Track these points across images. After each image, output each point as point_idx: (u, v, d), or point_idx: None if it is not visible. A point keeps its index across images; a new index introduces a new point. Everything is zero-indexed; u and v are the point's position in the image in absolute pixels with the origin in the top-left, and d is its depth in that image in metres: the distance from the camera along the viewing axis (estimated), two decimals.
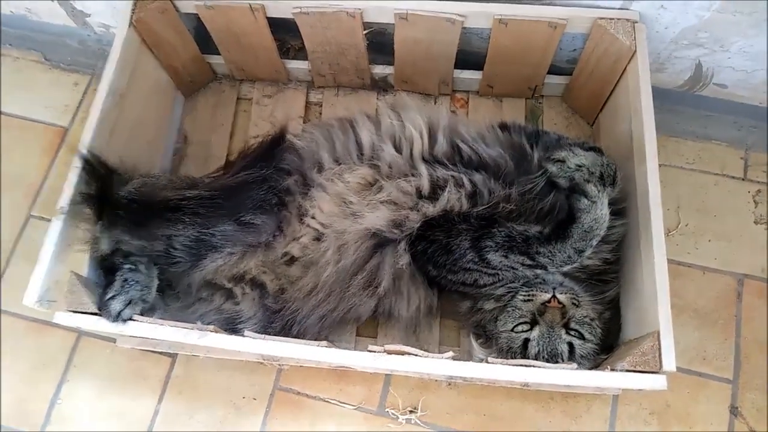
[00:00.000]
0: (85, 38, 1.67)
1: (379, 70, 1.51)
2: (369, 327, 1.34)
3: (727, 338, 1.34)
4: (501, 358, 1.13)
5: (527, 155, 1.16)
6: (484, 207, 1.10)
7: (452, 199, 1.11)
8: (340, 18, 1.30)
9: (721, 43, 1.28)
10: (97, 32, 1.63)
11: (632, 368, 1.01)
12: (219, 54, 1.51)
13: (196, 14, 1.35)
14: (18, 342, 1.41)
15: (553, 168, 1.11)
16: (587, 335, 1.11)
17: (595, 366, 1.12)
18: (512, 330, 1.14)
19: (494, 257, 1.10)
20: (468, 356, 1.26)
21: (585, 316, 1.13)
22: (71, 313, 1.11)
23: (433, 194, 1.13)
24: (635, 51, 1.21)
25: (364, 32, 1.35)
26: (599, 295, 1.18)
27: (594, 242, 1.08)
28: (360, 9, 1.28)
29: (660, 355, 1.01)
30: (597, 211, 1.07)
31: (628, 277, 1.17)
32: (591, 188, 1.07)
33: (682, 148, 1.49)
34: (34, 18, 1.64)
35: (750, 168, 1.47)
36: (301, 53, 1.56)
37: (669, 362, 1.00)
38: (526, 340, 1.12)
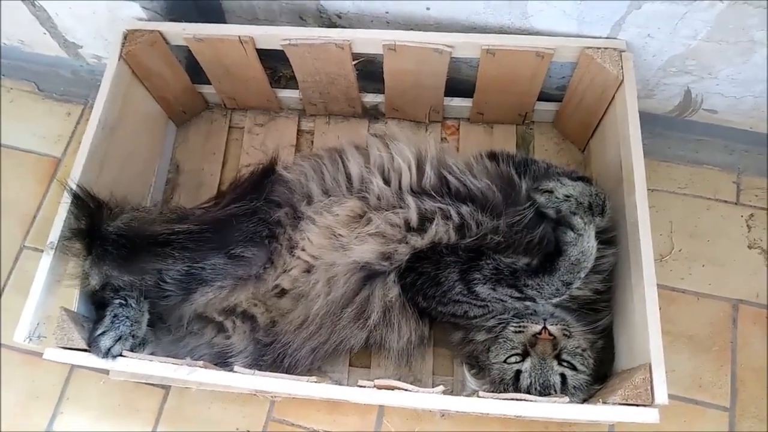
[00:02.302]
0: (78, 69, 1.68)
1: (370, 98, 1.52)
2: (362, 356, 1.34)
3: (722, 365, 1.33)
4: (494, 388, 1.13)
5: (515, 185, 1.15)
6: (472, 239, 1.10)
7: (440, 231, 1.11)
8: (329, 49, 1.31)
9: (708, 70, 1.28)
10: (90, 63, 1.64)
11: (624, 401, 1.00)
12: (210, 84, 1.51)
13: (187, 46, 1.36)
14: (12, 374, 1.41)
15: (541, 198, 1.11)
16: (579, 366, 1.11)
17: (589, 396, 1.11)
18: (504, 361, 1.13)
19: (482, 290, 1.10)
20: (462, 385, 1.25)
21: (577, 347, 1.12)
22: (61, 350, 1.11)
23: (421, 226, 1.13)
24: (622, 80, 1.21)
25: (354, 62, 1.35)
26: (591, 325, 1.17)
27: (582, 274, 1.08)
28: (348, 40, 1.28)
29: (652, 387, 1.00)
30: (584, 244, 1.06)
31: (620, 306, 1.16)
32: (577, 221, 1.07)
33: (674, 173, 1.49)
34: (28, 49, 1.65)
35: (742, 192, 1.47)
36: (293, 81, 1.56)
37: (661, 395, 0.99)
38: (518, 372, 1.11)
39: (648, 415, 0.99)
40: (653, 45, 1.24)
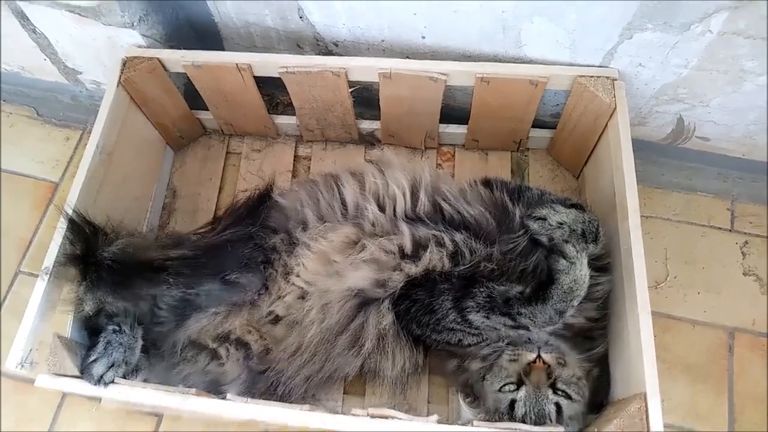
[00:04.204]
0: (77, 94, 1.70)
1: (366, 125, 1.53)
2: (357, 384, 1.33)
3: (720, 393, 1.32)
4: (489, 417, 1.12)
5: (509, 212, 1.16)
6: (465, 267, 1.10)
7: (434, 258, 1.11)
8: (326, 77, 1.32)
9: (700, 98, 1.29)
10: (89, 88, 1.66)
11: (619, 431, 0.99)
12: (208, 110, 1.53)
13: (185, 72, 1.38)
14: (3, 401, 1.40)
15: (534, 226, 1.12)
16: (574, 395, 1.10)
17: (584, 426, 1.10)
18: (499, 390, 1.12)
19: (476, 318, 1.09)
20: (457, 414, 1.24)
21: (572, 376, 1.11)
22: (53, 376, 1.10)
23: (416, 254, 1.13)
24: (615, 108, 1.22)
25: (350, 90, 1.37)
26: (586, 353, 1.16)
27: (575, 302, 1.07)
28: (344, 68, 1.30)
29: (647, 417, 0.99)
30: (576, 272, 1.06)
31: (615, 333, 1.16)
32: (569, 249, 1.07)
33: (668, 200, 1.50)
34: (28, 75, 1.67)
35: (737, 219, 1.48)
36: (290, 108, 1.58)
37: (657, 424, 0.98)
38: (513, 401, 1.10)
39: None
40: (645, 74, 1.26)
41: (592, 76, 1.25)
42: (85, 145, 1.27)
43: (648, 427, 0.98)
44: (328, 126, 1.52)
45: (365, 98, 1.47)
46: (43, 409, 1.38)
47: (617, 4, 1.11)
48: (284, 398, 1.17)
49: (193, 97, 1.51)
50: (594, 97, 1.25)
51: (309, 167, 1.58)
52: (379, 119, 1.49)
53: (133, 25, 1.33)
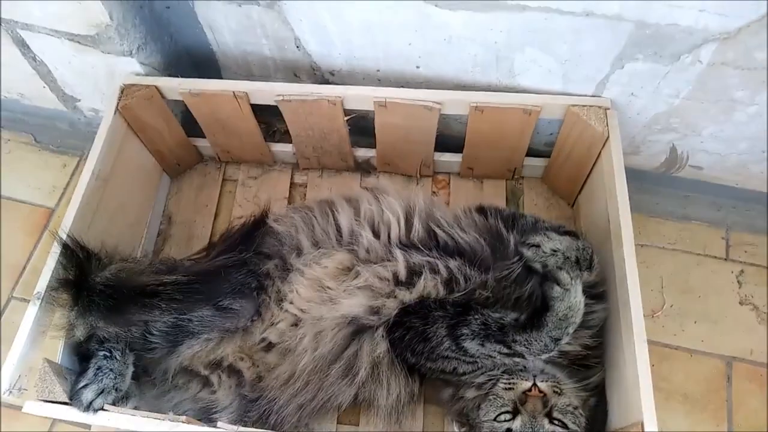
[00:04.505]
0: (76, 121, 1.72)
1: (362, 153, 1.54)
2: (351, 414, 1.31)
3: (719, 424, 1.31)
4: None
5: (504, 239, 1.16)
6: (460, 293, 1.10)
7: (428, 285, 1.11)
8: (322, 105, 1.33)
9: (692, 128, 1.31)
10: (87, 116, 1.67)
11: None
12: (205, 137, 1.54)
13: (182, 100, 1.39)
14: None
15: (528, 253, 1.11)
16: (571, 425, 1.08)
17: None
18: (494, 419, 1.10)
19: (471, 345, 1.08)
20: None
21: (568, 405, 1.09)
22: (41, 403, 1.08)
23: (410, 280, 1.13)
24: (608, 137, 1.23)
25: (346, 118, 1.38)
26: (583, 381, 1.15)
27: (570, 330, 1.06)
28: (340, 96, 1.31)
29: None
30: (571, 299, 1.05)
31: (612, 362, 1.15)
32: (564, 276, 1.06)
33: (662, 229, 1.50)
34: (27, 102, 1.68)
35: (731, 248, 1.48)
36: (287, 135, 1.59)
37: None
38: (509, 430, 1.08)
39: None
40: (637, 103, 1.28)
41: (584, 105, 1.27)
42: (82, 172, 1.27)
43: None
44: (324, 154, 1.53)
45: (361, 127, 1.48)
46: None
47: (607, 35, 1.13)
48: (276, 427, 1.15)
49: (190, 125, 1.52)
50: (587, 126, 1.26)
51: (305, 195, 1.59)
52: (375, 147, 1.50)
53: (131, 53, 1.35)
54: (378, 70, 1.40)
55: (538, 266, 1.11)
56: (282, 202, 1.56)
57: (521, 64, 1.26)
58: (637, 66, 1.18)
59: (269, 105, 1.37)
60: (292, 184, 1.60)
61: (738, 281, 1.44)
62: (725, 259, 1.47)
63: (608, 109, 1.26)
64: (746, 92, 1.18)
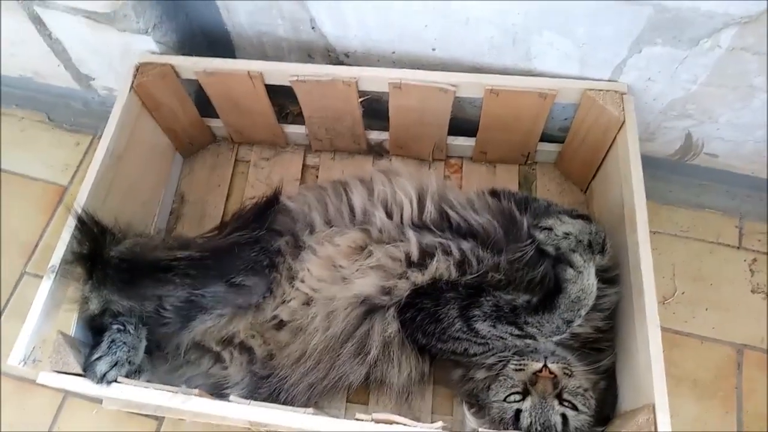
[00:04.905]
0: (89, 100, 1.72)
1: (375, 135, 1.54)
2: (360, 393, 1.31)
3: (728, 411, 1.30)
4: (493, 428, 1.10)
5: (517, 222, 1.15)
6: (472, 276, 1.09)
7: (441, 267, 1.11)
8: (336, 86, 1.33)
9: (709, 114, 1.30)
10: (101, 95, 1.68)
11: None
12: (218, 117, 1.54)
13: (197, 79, 1.39)
14: (4, 401, 1.39)
15: (540, 235, 1.11)
16: (581, 407, 1.08)
17: None
18: (504, 400, 1.11)
19: (482, 327, 1.08)
20: (461, 425, 1.23)
21: (578, 387, 1.10)
22: (55, 374, 1.09)
23: (422, 261, 1.13)
24: (624, 121, 1.23)
25: (360, 100, 1.38)
26: (593, 365, 1.15)
27: (583, 312, 1.06)
28: (355, 78, 1.31)
29: (656, 429, 0.98)
30: (584, 281, 1.05)
31: (623, 346, 1.15)
32: (577, 258, 1.06)
33: (675, 216, 1.50)
34: (41, 80, 1.69)
35: (745, 236, 1.47)
36: (299, 118, 1.59)
37: None
38: (518, 411, 1.09)
39: None
40: (654, 88, 1.27)
41: (601, 90, 1.26)
42: (95, 150, 1.28)
43: None
44: (337, 136, 1.53)
45: (374, 110, 1.48)
46: (42, 411, 1.37)
47: (626, 18, 1.13)
48: (287, 405, 1.16)
49: (204, 105, 1.52)
50: (603, 111, 1.25)
51: (317, 176, 1.59)
52: (388, 130, 1.50)
53: (147, 31, 1.35)
54: (393, 53, 1.39)
55: (550, 249, 1.11)
56: (294, 184, 1.56)
57: (538, 47, 1.26)
58: (655, 50, 1.17)
59: (282, 87, 1.37)
60: (305, 166, 1.60)
61: (750, 270, 1.43)
62: (738, 248, 1.46)
63: (625, 93, 1.25)
64: (765, 78, 1.17)
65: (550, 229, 1.11)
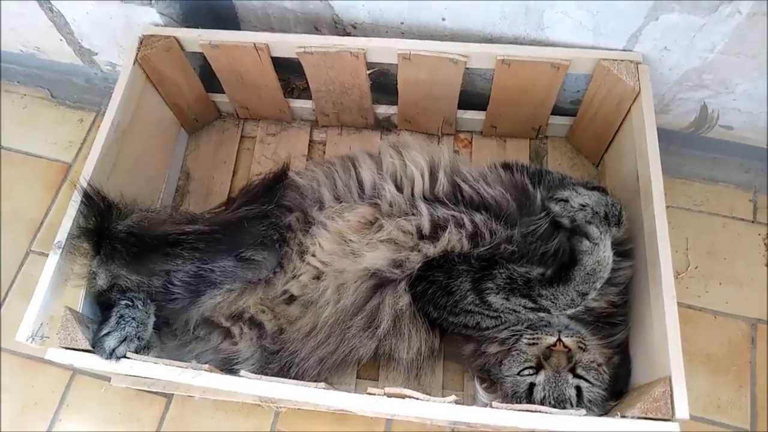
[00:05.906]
0: (92, 76, 1.69)
1: (383, 110, 1.51)
2: (370, 369, 1.31)
3: (741, 386, 1.29)
4: (506, 402, 1.09)
5: (530, 195, 1.13)
6: (485, 248, 1.08)
7: (453, 239, 1.09)
8: (344, 57, 1.31)
9: (725, 84, 1.27)
10: (104, 70, 1.65)
11: (643, 415, 0.97)
12: (224, 93, 1.51)
13: (202, 53, 1.36)
14: (12, 379, 1.38)
15: (556, 207, 1.09)
16: (594, 381, 1.07)
17: (605, 413, 1.08)
18: (517, 374, 1.10)
19: (495, 299, 1.07)
20: (472, 401, 1.22)
21: (592, 361, 1.08)
22: (64, 350, 1.08)
23: (434, 234, 1.11)
24: (639, 92, 1.20)
25: (368, 72, 1.35)
26: (607, 339, 1.14)
27: (598, 285, 1.05)
28: (363, 48, 1.28)
29: (672, 401, 0.97)
30: (599, 253, 1.04)
31: (638, 320, 1.13)
32: (593, 230, 1.05)
33: (689, 190, 1.47)
34: (43, 56, 1.66)
35: (759, 211, 1.45)
36: (305, 93, 1.57)
37: (682, 409, 0.96)
38: (532, 385, 1.08)
39: (669, 430, 0.95)
40: (670, 58, 1.24)
41: (615, 60, 1.23)
42: (99, 127, 1.25)
43: (673, 411, 0.96)
44: (344, 110, 1.51)
45: (382, 84, 1.45)
46: (50, 389, 1.36)
47: None
48: (297, 380, 1.15)
49: (209, 80, 1.50)
50: (617, 81, 1.23)
51: (324, 152, 1.56)
52: (396, 104, 1.47)
53: (150, 2, 1.32)
54: (402, 23, 1.36)
55: (566, 221, 1.10)
56: (301, 160, 1.54)
57: (551, 16, 1.23)
58: (672, 18, 1.14)
59: (288, 61, 1.35)
60: (311, 142, 1.58)
61: (765, 244, 1.41)
62: (752, 222, 1.44)
63: (640, 63, 1.23)
64: None
65: (566, 200, 1.09)
